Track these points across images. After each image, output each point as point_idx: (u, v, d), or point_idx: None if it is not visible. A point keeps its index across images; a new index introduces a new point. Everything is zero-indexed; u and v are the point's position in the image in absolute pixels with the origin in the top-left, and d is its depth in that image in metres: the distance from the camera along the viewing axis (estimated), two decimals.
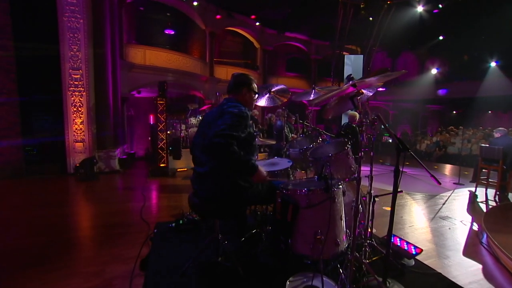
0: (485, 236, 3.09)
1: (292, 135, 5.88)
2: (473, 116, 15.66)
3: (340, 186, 1.58)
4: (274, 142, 3.01)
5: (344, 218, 1.58)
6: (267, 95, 2.63)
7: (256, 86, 2.01)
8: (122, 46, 9.05)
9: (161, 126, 6.73)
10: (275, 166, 2.27)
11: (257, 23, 14.68)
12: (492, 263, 2.55)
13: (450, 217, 3.83)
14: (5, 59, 5.97)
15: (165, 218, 3.53)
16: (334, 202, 1.48)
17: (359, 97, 1.55)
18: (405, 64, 17.93)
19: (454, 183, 6.19)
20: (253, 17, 14.16)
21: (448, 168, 9.14)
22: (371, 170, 1.87)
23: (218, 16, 12.97)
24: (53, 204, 4.37)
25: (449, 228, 3.43)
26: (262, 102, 2.63)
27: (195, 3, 11.54)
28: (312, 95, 2.52)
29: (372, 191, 1.95)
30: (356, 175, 1.95)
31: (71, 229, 3.31)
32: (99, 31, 6.65)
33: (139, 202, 4.33)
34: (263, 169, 1.73)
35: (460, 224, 3.57)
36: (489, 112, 17.00)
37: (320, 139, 2.37)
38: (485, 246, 2.89)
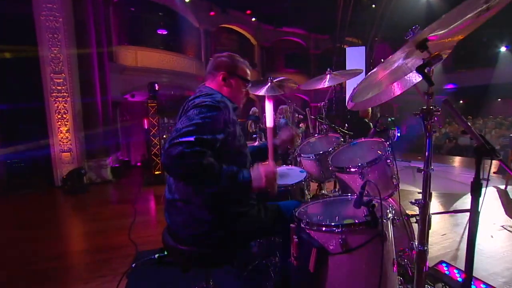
0: None
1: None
2: (481, 104, 15.00)
3: (390, 213, 1.04)
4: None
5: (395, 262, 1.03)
6: (269, 84, 2.11)
7: (248, 70, 1.44)
8: (111, 48, 8.53)
9: (153, 131, 6.21)
10: (284, 178, 1.72)
11: (253, 19, 14.12)
12: None
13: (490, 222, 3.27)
14: None
15: (155, 237, 3.05)
16: (386, 240, 0.95)
17: (432, 67, 0.91)
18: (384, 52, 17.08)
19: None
20: (248, 12, 13.60)
21: (464, 161, 8.56)
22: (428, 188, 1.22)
23: (212, 13, 12.44)
24: (31, 224, 3.85)
25: (492, 236, 2.89)
26: (262, 91, 2.10)
27: (186, 0, 11.00)
28: (326, 81, 1.97)
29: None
30: (397, 188, 1.41)
31: (43, 258, 2.77)
32: (82, 32, 6.12)
33: (129, 218, 3.81)
34: (263, 167, 1.16)
35: (503, 230, 3.02)
36: (498, 100, 16.34)
37: (342, 140, 1.80)
38: None
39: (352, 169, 1.33)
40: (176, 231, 1.24)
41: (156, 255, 2.14)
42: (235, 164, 1.28)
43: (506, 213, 3.60)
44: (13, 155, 5.81)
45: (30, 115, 5.83)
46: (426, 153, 1.03)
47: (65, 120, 5.94)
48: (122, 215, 4.05)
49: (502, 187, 4.80)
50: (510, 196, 4.42)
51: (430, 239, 1.15)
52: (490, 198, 4.28)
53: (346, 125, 4.61)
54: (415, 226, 1.25)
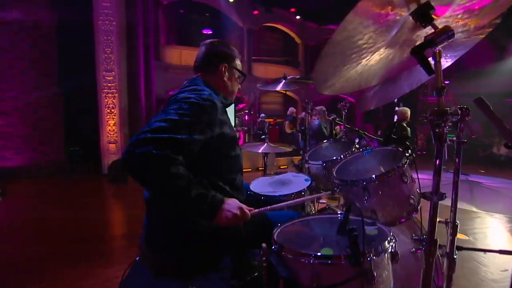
0: None
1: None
2: None
3: (389, 247, 0.81)
4: (289, 149, 2.27)
5: None
6: (283, 81, 1.97)
7: (239, 63, 1.32)
8: (158, 47, 9.10)
9: None
10: (285, 186, 1.55)
11: (297, 17, 13.76)
12: None
13: None
14: (48, 64, 6.29)
15: None
16: (371, 284, 0.74)
17: (437, 49, 0.64)
18: (474, 50, 14.73)
19: None
20: (292, 10, 13.29)
21: None
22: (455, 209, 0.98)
23: (255, 12, 12.45)
24: (75, 206, 4.29)
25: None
26: (278, 87, 1.98)
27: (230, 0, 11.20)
28: None
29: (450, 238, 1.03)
30: (417, 211, 1.14)
31: (82, 239, 3.05)
32: (132, 33, 6.65)
33: None
34: (235, 205, 1.02)
35: None
36: None
37: (357, 146, 1.54)
38: None
39: (356, 184, 1.11)
40: (148, 234, 1.17)
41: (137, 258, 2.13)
42: (221, 169, 1.17)
43: None
44: (71, 143, 6.56)
45: (86, 109, 6.51)
46: (435, 173, 0.77)
47: (112, 114, 6.50)
48: None
49: None
50: None
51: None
52: None
53: (389, 130, 4.15)
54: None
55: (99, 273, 2.31)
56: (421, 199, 1.17)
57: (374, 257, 0.75)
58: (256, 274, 1.67)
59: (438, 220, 1.00)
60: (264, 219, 1.19)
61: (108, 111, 6.48)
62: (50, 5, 6.14)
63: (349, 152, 1.46)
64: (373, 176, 1.09)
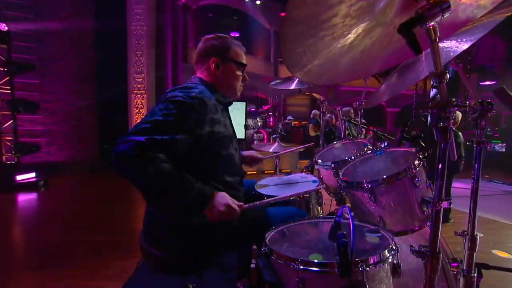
0: None
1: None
2: None
3: (389, 257, 0.72)
4: (302, 149, 2.16)
5: None
6: (297, 79, 1.90)
7: (242, 52, 1.24)
8: (186, 50, 9.43)
9: None
10: (291, 187, 1.48)
11: None
12: None
13: None
14: (88, 68, 6.80)
15: None
16: None
17: (431, 25, 0.54)
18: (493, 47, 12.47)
19: None
20: None
21: None
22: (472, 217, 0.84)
23: (282, 14, 12.40)
24: (103, 200, 4.56)
25: None
26: (292, 85, 1.92)
27: (258, 2, 11.27)
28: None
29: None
30: (429, 221, 1.01)
31: (107, 231, 3.23)
32: (161, 37, 6.95)
33: None
34: (222, 202, 1.00)
35: None
36: None
37: (370, 147, 1.41)
38: None
39: (361, 186, 1.01)
40: (145, 230, 1.18)
41: None
42: (212, 168, 1.13)
43: None
44: (105, 141, 6.99)
45: (118, 109, 6.91)
46: (436, 178, 0.66)
47: (141, 114, 6.82)
48: None
49: None
50: None
51: None
52: None
53: (407, 126, 3.84)
54: None
55: (116, 265, 2.42)
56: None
57: (368, 268, 0.67)
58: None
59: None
60: (262, 215, 1.14)
61: (137, 111, 6.82)
62: (93, 14, 6.64)
63: (360, 153, 1.35)
64: (380, 178, 0.99)
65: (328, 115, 6.62)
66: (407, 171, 0.95)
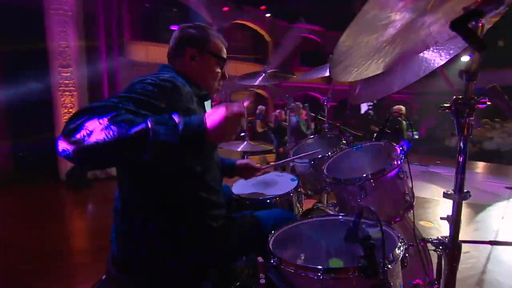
0: None
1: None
2: None
3: (399, 251, 0.74)
4: (271, 148, 2.17)
5: None
6: (263, 75, 1.87)
7: (223, 45, 1.13)
8: (122, 43, 8.52)
9: None
10: (271, 187, 1.45)
11: (268, 15, 13.79)
12: None
13: None
14: None
15: None
16: None
17: (483, 21, 0.54)
18: None
19: (506, 187, 5.06)
20: (263, 7, 13.29)
21: (488, 168, 7.89)
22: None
23: (225, 8, 12.23)
24: (26, 218, 3.80)
25: None
26: (257, 81, 1.87)
27: None
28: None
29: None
30: (412, 208, 1.10)
31: (37, 256, 2.67)
32: (91, 26, 6.10)
33: None
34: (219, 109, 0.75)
35: None
36: None
37: (344, 142, 1.48)
38: None
39: (352, 183, 1.04)
40: (116, 250, 0.98)
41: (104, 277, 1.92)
42: (193, 173, 0.99)
43: None
44: (20, 148, 5.86)
45: (38, 108, 5.84)
46: (458, 171, 0.72)
47: (71, 114, 5.93)
48: None
49: None
50: None
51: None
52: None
53: (386, 123, 4.50)
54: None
55: None
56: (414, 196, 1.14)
57: (389, 266, 0.68)
58: (238, 283, 1.53)
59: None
60: (253, 223, 1.07)
61: (66, 111, 5.88)
62: None
63: (337, 148, 1.39)
64: (370, 173, 1.02)
65: (278, 111, 6.81)
66: (393, 165, 1.01)
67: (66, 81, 5.84)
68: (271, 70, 1.92)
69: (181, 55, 1.08)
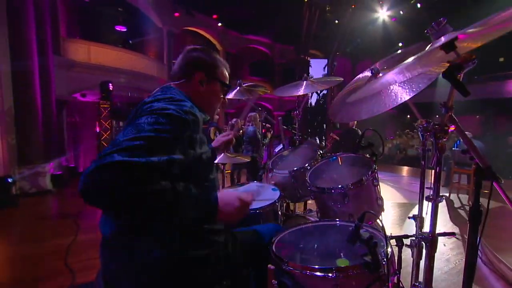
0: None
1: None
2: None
3: (390, 250, 0.85)
4: (248, 159, 2.22)
5: None
6: (238, 88, 1.93)
7: (227, 73, 1.15)
8: (58, 40, 7.59)
9: (105, 135, 5.58)
10: (258, 196, 1.49)
11: (219, 24, 13.92)
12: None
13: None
14: None
15: (98, 260, 2.61)
16: (387, 284, 0.77)
17: (462, 72, 0.71)
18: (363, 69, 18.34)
19: (427, 187, 6.03)
20: (214, 16, 13.37)
21: (411, 171, 9.28)
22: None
23: (176, 14, 11.94)
24: None
25: (444, 245, 3.05)
26: (231, 95, 1.93)
27: None
28: (302, 89, 1.81)
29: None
30: (383, 211, 1.28)
31: None
32: (16, 19, 5.32)
33: (69, 237, 3.23)
34: (233, 194, 0.94)
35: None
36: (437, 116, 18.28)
37: (320, 154, 1.62)
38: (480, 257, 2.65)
39: (336, 191, 1.17)
40: (111, 280, 0.91)
41: None
42: (202, 180, 1.00)
43: (451, 220, 3.99)
44: None
45: None
46: (436, 180, 0.90)
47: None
48: (59, 233, 3.44)
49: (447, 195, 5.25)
50: (454, 204, 4.85)
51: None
52: (442, 206, 4.61)
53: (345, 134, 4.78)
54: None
55: None
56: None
57: (385, 260, 0.81)
58: None
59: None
60: (252, 237, 1.11)
61: None
62: None
63: (314, 160, 1.53)
64: (350, 183, 1.17)
65: (234, 120, 6.87)
66: (371, 174, 1.18)
67: None
68: (246, 84, 1.99)
69: (188, 77, 1.07)
